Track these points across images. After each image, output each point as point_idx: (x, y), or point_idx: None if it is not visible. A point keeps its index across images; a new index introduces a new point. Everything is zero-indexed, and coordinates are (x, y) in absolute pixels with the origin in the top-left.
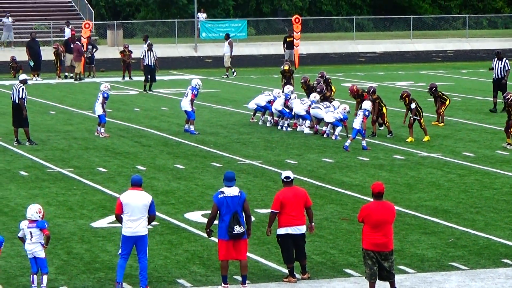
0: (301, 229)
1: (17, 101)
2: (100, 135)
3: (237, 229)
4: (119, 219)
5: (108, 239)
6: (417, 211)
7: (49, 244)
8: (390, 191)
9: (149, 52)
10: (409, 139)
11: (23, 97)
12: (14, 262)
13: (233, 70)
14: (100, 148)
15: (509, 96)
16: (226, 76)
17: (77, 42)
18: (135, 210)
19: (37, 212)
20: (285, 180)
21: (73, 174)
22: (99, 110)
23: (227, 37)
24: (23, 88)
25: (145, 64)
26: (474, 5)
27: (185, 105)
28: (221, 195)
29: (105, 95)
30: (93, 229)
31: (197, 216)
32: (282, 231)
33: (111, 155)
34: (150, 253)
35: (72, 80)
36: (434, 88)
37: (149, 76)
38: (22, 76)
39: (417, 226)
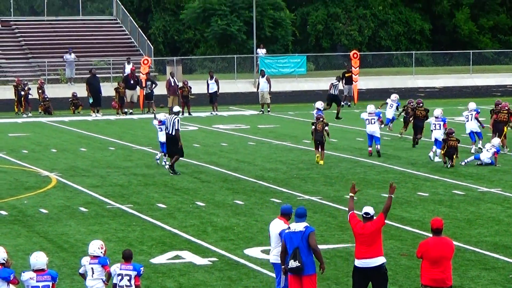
0: (369, 262)
1: (172, 133)
2: None
3: (291, 264)
4: None
5: (168, 275)
6: (477, 247)
7: (110, 281)
8: (449, 227)
9: None
10: None
11: (178, 127)
12: None
13: (268, 108)
14: (159, 184)
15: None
16: (261, 112)
17: (170, 78)
18: (272, 238)
19: (99, 248)
20: (364, 216)
21: (132, 210)
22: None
23: (263, 73)
24: (178, 120)
25: None
26: None
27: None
28: (287, 230)
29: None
30: (153, 265)
31: (257, 252)
32: (356, 262)
33: (170, 191)
34: None
35: (131, 116)
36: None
37: None
38: (176, 108)
39: (477, 261)
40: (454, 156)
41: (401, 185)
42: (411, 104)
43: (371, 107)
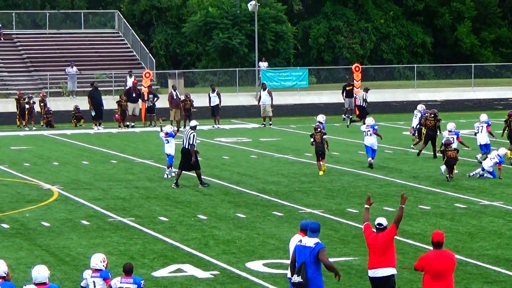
0: (378, 272)
1: (187, 147)
2: None
3: (294, 278)
4: None
5: None
6: (479, 260)
7: None
8: (451, 240)
9: None
10: None
11: (193, 143)
12: None
13: (270, 121)
14: (161, 197)
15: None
16: (263, 125)
17: (172, 91)
18: (290, 253)
19: (101, 261)
20: (377, 226)
21: (134, 223)
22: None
23: (264, 86)
24: (194, 134)
25: None
26: None
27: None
28: (298, 243)
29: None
30: (154, 278)
31: (258, 265)
32: (368, 273)
33: (172, 204)
34: None
35: (133, 129)
36: None
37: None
38: (193, 123)
39: (479, 275)
40: (454, 167)
41: None
42: (425, 114)
43: (368, 120)
